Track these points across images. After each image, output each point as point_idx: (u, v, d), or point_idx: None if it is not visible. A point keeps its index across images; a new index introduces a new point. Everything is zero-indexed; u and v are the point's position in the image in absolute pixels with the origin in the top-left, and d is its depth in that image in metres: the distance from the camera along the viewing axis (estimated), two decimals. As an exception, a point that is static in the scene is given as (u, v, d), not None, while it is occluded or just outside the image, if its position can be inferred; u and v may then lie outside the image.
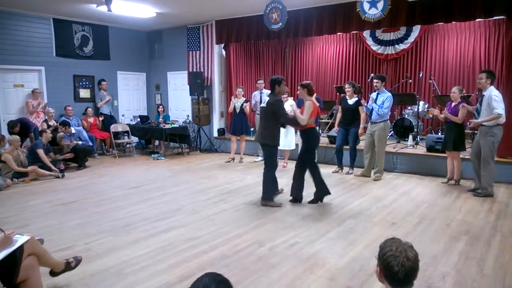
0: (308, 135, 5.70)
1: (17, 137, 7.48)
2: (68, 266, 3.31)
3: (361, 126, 7.48)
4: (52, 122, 9.22)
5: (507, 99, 6.84)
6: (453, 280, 3.43)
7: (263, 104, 5.79)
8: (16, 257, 2.83)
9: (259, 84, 9.00)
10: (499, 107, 5.76)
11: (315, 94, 5.92)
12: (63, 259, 3.36)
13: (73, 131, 8.80)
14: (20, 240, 2.91)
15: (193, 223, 4.96)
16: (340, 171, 7.86)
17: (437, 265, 3.72)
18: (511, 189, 6.59)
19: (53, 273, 3.25)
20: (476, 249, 4.12)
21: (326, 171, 8.01)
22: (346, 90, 7.63)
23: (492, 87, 5.96)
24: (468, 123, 7.81)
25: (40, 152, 7.62)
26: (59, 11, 9.49)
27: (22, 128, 8.43)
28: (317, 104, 5.87)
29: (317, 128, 7.60)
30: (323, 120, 10.21)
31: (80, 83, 10.61)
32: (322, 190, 5.76)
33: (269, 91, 8.88)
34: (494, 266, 3.70)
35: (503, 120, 5.90)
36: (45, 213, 5.40)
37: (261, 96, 8.72)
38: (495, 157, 6.19)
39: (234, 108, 8.99)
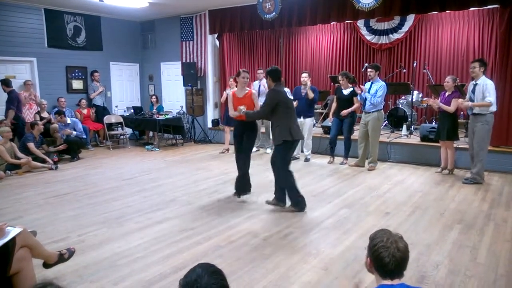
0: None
1: (7, 128, 7.39)
2: (61, 258, 3.29)
3: (349, 109, 7.42)
4: (45, 114, 9.14)
5: (501, 88, 6.87)
6: (446, 268, 3.45)
7: (291, 97, 5.43)
8: (8, 249, 2.80)
9: (259, 74, 8.88)
10: (491, 96, 5.89)
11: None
12: (56, 251, 3.34)
13: (69, 121, 8.71)
14: (12, 232, 2.88)
15: (187, 214, 4.95)
16: (333, 161, 7.85)
17: (431, 254, 3.74)
18: (504, 178, 6.63)
19: (46, 265, 3.23)
20: (470, 237, 4.14)
21: (320, 161, 8.03)
22: (340, 81, 7.59)
23: (484, 76, 6.04)
24: (461, 112, 7.84)
25: (31, 145, 7.55)
26: (50, 2, 9.37)
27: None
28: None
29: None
30: (318, 111, 10.19)
31: (73, 74, 10.51)
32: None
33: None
34: (487, 255, 3.73)
35: (494, 108, 6.02)
36: (38, 205, 5.37)
37: (259, 87, 8.63)
38: (488, 145, 6.26)
39: (227, 99, 8.91)
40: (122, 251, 3.87)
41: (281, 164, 5.02)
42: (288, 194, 5.07)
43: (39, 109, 9.21)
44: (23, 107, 9.14)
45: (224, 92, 9.21)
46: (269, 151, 9.01)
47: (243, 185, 5.63)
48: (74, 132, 8.57)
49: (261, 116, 5.23)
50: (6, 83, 8.46)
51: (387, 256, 1.82)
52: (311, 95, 7.63)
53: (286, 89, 6.06)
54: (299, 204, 5.01)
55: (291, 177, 5.00)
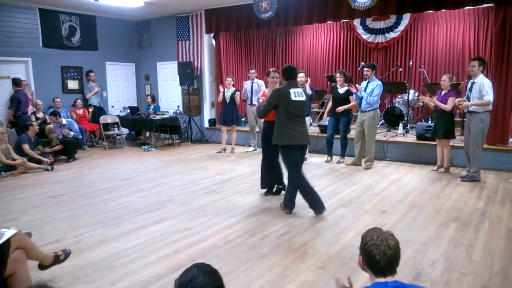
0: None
1: (1, 129, 7.34)
2: (57, 259, 3.29)
3: (345, 106, 7.41)
4: (40, 114, 9.09)
5: (496, 86, 6.89)
6: (442, 266, 3.46)
7: (302, 98, 4.91)
8: (3, 250, 2.79)
9: (251, 74, 8.90)
10: (490, 95, 5.92)
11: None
12: (52, 252, 3.33)
13: (64, 122, 8.67)
14: (7, 233, 2.87)
15: (184, 214, 4.94)
16: (330, 160, 7.86)
17: (427, 252, 3.75)
18: (499, 176, 6.65)
19: (41, 267, 3.22)
20: (465, 235, 4.16)
21: (317, 160, 8.04)
22: (337, 79, 7.60)
23: (482, 74, 6.07)
24: (457, 111, 7.85)
25: (25, 147, 7.51)
26: (45, 1, 9.31)
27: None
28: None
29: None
30: (314, 110, 10.20)
31: (68, 74, 10.47)
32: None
33: (261, 81, 8.87)
34: (482, 252, 3.74)
35: (490, 107, 6.08)
36: (34, 206, 5.35)
37: (252, 86, 8.66)
38: (483, 143, 6.30)
39: (224, 98, 8.92)
40: (118, 251, 3.86)
41: (287, 167, 4.91)
42: (303, 197, 4.88)
43: (34, 109, 9.16)
44: (27, 107, 9.08)
45: (220, 91, 9.14)
46: (251, 149, 9.24)
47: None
48: (72, 133, 8.53)
49: (260, 115, 5.06)
50: (15, 82, 8.68)
51: (378, 254, 1.85)
52: (309, 91, 7.53)
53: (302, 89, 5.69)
54: (314, 203, 4.83)
55: (297, 181, 4.83)
